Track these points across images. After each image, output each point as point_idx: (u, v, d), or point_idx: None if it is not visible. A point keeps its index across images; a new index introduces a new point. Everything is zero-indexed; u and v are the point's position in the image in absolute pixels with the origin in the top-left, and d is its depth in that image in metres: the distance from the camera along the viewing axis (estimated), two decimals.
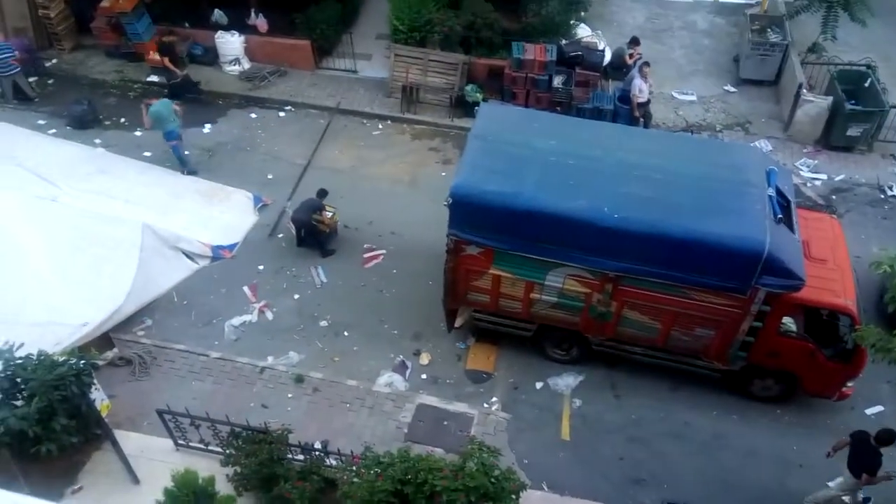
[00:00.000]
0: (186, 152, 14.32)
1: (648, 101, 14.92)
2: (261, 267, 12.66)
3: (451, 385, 10.99)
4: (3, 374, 8.74)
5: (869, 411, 10.68)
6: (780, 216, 9.21)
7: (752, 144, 14.82)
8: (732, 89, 16.77)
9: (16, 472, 9.06)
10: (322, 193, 12.71)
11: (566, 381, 11.03)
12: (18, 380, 8.73)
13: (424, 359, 11.33)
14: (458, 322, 11.32)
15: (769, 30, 16.68)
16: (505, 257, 9.98)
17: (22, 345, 8.96)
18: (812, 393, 10.51)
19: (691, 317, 9.79)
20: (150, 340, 11.36)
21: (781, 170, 10.41)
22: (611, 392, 10.95)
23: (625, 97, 14.90)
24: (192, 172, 14.22)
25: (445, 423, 10.35)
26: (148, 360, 11.02)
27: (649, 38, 17.64)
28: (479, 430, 10.14)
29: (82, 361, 9.06)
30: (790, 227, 9.54)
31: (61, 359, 9.02)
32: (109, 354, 10.95)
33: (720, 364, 10.29)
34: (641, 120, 14.87)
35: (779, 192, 9.60)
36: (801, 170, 14.75)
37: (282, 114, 16.14)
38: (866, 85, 14.99)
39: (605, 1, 18.21)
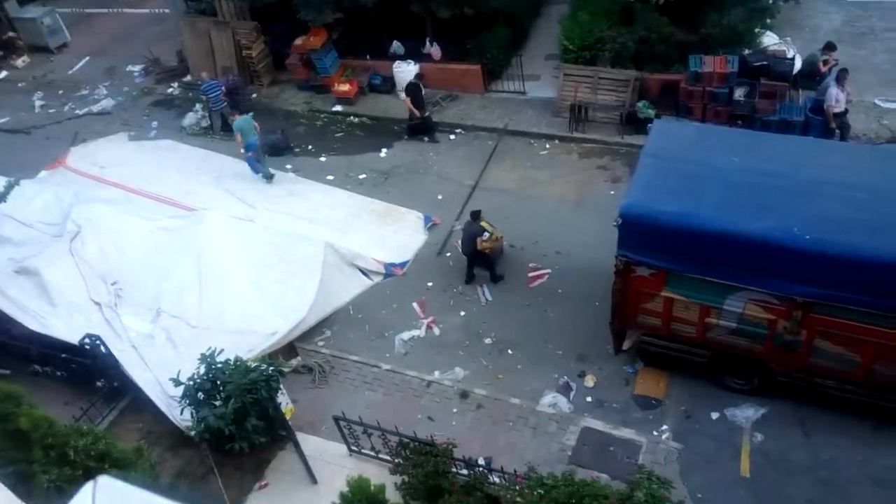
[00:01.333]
0: (259, 162, 15.64)
1: (846, 112, 13.54)
2: (429, 284, 13.11)
3: (617, 409, 10.62)
4: (206, 377, 9.78)
5: None
6: None
7: None
8: None
9: (212, 465, 10.09)
10: (475, 215, 12.58)
11: (746, 413, 10.22)
12: (218, 382, 9.71)
13: (589, 381, 11.05)
14: (625, 345, 10.93)
15: None
16: (679, 280, 9.51)
17: (222, 350, 9.98)
18: None
19: None
20: (329, 350, 12.16)
21: None
22: (799, 428, 9.96)
23: (818, 108, 13.65)
24: (267, 177, 15.50)
25: (611, 448, 10.00)
26: (327, 368, 11.80)
27: (847, 42, 16.08)
28: (647, 459, 9.69)
29: (272, 368, 9.90)
30: None
31: (254, 364, 9.93)
32: (294, 362, 11.87)
33: None
34: (838, 132, 13.53)
35: None
36: None
37: (452, 136, 16.70)
38: None
39: (797, 6, 16.85)
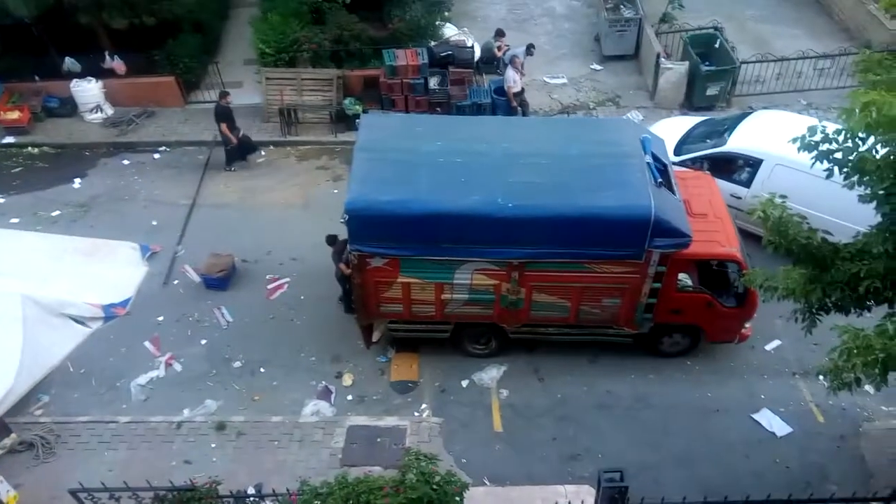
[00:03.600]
0: None
1: (523, 90, 15.32)
2: (160, 318, 12.06)
3: (378, 401, 10.87)
4: None
5: (768, 347, 11.42)
6: (660, 180, 9.69)
7: (624, 117, 15.54)
8: (598, 67, 17.51)
9: None
10: (331, 240, 11.29)
11: (490, 374, 11.16)
12: None
13: (347, 380, 11.14)
14: (375, 336, 11.21)
15: (622, 6, 17.54)
16: (410, 263, 9.97)
17: None
18: (715, 340, 11.12)
19: (597, 289, 10.14)
20: (49, 418, 10.56)
21: (654, 136, 10.95)
22: (535, 376, 11.16)
23: (501, 90, 15.24)
24: None
25: (379, 440, 10.22)
26: (51, 439, 10.24)
27: (514, 28, 18.14)
28: (413, 440, 10.08)
29: None
30: (670, 188, 10.06)
31: None
32: (8, 441, 10.10)
33: (630, 329, 10.70)
34: (519, 109, 15.25)
35: (655, 158, 10.09)
36: None
37: (156, 156, 15.49)
38: (716, 46, 16.04)
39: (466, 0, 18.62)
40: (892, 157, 5.63)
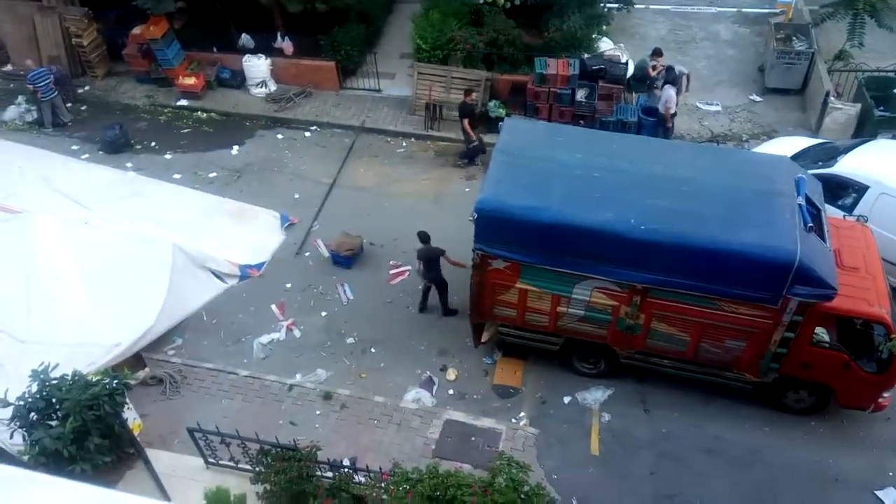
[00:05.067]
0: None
1: (675, 113, 14.86)
2: (288, 285, 12.79)
3: (478, 400, 10.95)
4: (38, 395, 8.91)
5: None
6: (810, 224, 9.07)
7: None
8: (758, 98, 16.60)
9: None
10: (425, 237, 11.59)
11: (594, 396, 10.93)
12: (53, 400, 8.89)
13: (451, 374, 11.31)
14: (484, 337, 11.30)
15: (794, 38, 16.50)
16: (531, 271, 9.96)
17: (57, 365, 9.13)
18: (847, 405, 10.26)
19: (721, 328, 9.65)
20: (180, 359, 11.52)
21: (810, 178, 10.26)
22: (640, 406, 10.81)
23: (649, 109, 14.85)
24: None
25: (473, 438, 10.30)
26: (179, 378, 11.17)
27: (672, 49, 17.59)
28: (507, 446, 10.08)
29: (115, 381, 9.22)
30: (821, 235, 9.39)
31: (95, 378, 9.19)
32: (141, 374, 11.11)
33: (752, 376, 10.11)
34: (663, 131, 14.79)
35: (808, 201, 9.46)
36: None
37: (307, 133, 16.37)
38: (895, 91, 14.74)
39: (628, 14, 18.21)
40: None
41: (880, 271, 9.82)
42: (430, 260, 11.53)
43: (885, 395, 9.94)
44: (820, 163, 12.33)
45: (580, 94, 15.41)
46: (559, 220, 9.36)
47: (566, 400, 10.91)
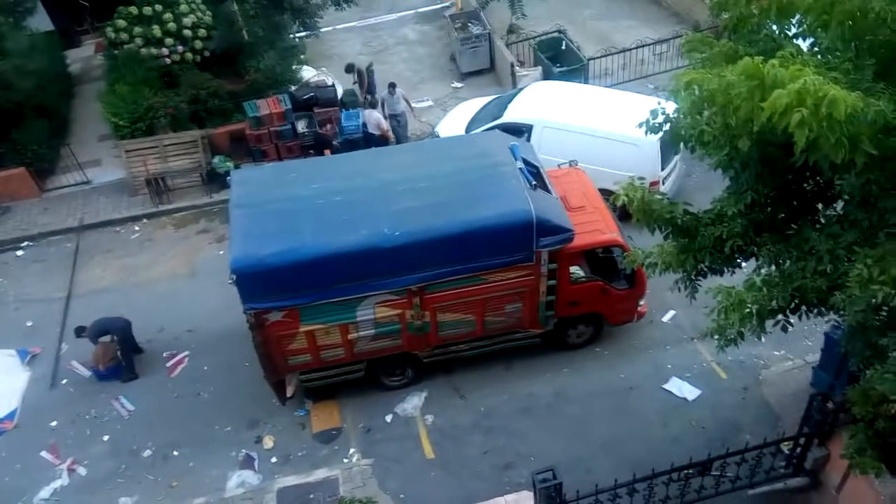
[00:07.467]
0: None
1: (403, 114, 15.60)
2: (53, 423, 11.23)
3: (304, 456, 10.55)
4: None
5: (665, 318, 12.01)
6: (534, 183, 10.05)
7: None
8: (459, 85, 18.00)
9: None
10: (79, 330, 11.62)
11: (413, 403, 11.10)
12: None
13: (268, 442, 10.77)
14: (289, 392, 10.91)
15: (470, 24, 18.17)
16: (310, 311, 9.81)
17: None
18: (617, 322, 11.59)
19: (497, 298, 10.33)
20: None
21: (521, 142, 11.36)
22: (456, 396, 11.20)
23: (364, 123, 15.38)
24: None
25: (312, 496, 9.91)
26: None
27: (375, 60, 18.32)
28: (347, 488, 9.87)
29: None
30: (546, 189, 10.45)
31: None
32: None
33: (536, 329, 10.97)
34: (393, 138, 15.44)
35: (526, 163, 10.46)
36: None
37: (20, 252, 14.52)
38: (563, 48, 16.90)
39: (319, 40, 18.62)
40: (723, 126, 6.06)
41: (601, 202, 11.18)
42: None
43: (641, 303, 11.40)
44: (494, 117, 13.91)
45: (300, 126, 15.49)
46: (317, 254, 9.33)
47: (388, 419, 10.95)
